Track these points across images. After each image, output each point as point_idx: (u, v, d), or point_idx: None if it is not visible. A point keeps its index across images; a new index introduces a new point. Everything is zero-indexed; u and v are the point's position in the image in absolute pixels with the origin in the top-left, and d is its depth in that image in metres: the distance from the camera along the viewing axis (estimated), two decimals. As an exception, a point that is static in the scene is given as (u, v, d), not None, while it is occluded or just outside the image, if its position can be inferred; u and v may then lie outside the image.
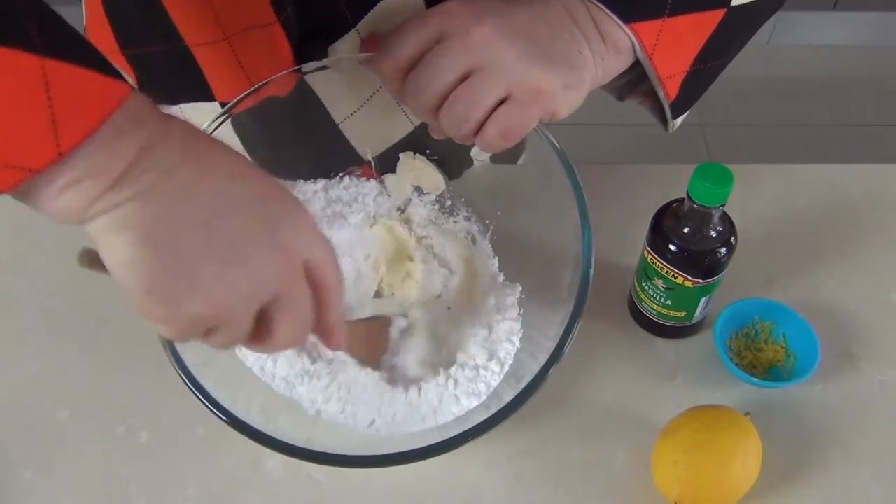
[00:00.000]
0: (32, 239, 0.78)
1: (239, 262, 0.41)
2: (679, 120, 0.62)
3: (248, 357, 0.61)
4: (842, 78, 2.25)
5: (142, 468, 0.65)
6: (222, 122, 0.60)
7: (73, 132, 0.36)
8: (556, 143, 0.59)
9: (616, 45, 0.55)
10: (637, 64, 0.57)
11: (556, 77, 0.52)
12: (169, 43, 0.59)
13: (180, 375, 0.53)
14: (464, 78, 0.51)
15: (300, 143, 0.67)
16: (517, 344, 0.62)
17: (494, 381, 0.60)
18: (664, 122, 0.62)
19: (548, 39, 0.53)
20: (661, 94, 0.58)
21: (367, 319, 0.63)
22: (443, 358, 0.63)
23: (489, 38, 0.51)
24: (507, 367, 0.61)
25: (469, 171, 0.70)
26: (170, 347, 0.53)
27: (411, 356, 0.63)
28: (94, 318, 0.73)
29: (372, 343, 0.62)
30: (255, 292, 0.42)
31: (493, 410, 0.54)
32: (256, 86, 0.59)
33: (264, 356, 0.60)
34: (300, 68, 0.60)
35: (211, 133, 0.60)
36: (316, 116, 0.65)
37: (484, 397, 0.60)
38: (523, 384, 0.54)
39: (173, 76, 0.62)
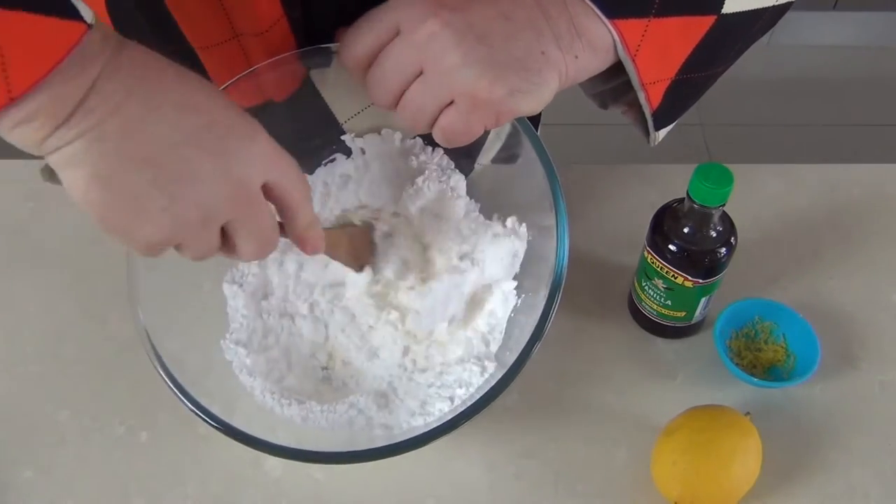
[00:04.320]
0: (33, 239, 0.78)
1: (184, 195, 0.42)
2: (662, 133, 0.60)
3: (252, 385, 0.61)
4: (842, 78, 2.25)
5: (142, 468, 0.65)
6: None
7: (23, 79, 0.37)
8: (533, 134, 0.58)
9: (593, 42, 0.53)
10: (621, 71, 0.55)
11: (501, 84, 0.50)
12: (173, 44, 0.59)
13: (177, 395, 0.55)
14: (416, 75, 0.51)
15: (302, 141, 0.67)
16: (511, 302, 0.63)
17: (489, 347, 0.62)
18: (647, 134, 0.60)
19: (503, 39, 0.51)
20: (642, 100, 0.56)
21: (349, 226, 0.64)
22: (425, 260, 0.64)
23: (436, 36, 0.50)
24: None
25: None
26: (163, 369, 0.55)
27: (393, 258, 0.64)
28: (94, 318, 0.73)
29: (355, 248, 0.63)
30: (206, 218, 0.44)
31: (484, 391, 0.54)
32: (250, 69, 0.59)
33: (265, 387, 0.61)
34: (295, 53, 0.59)
35: None
36: (320, 116, 0.65)
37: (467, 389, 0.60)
38: (509, 363, 0.55)
39: None
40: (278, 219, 0.49)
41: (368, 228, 0.64)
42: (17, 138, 0.40)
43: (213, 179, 0.43)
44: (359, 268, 0.63)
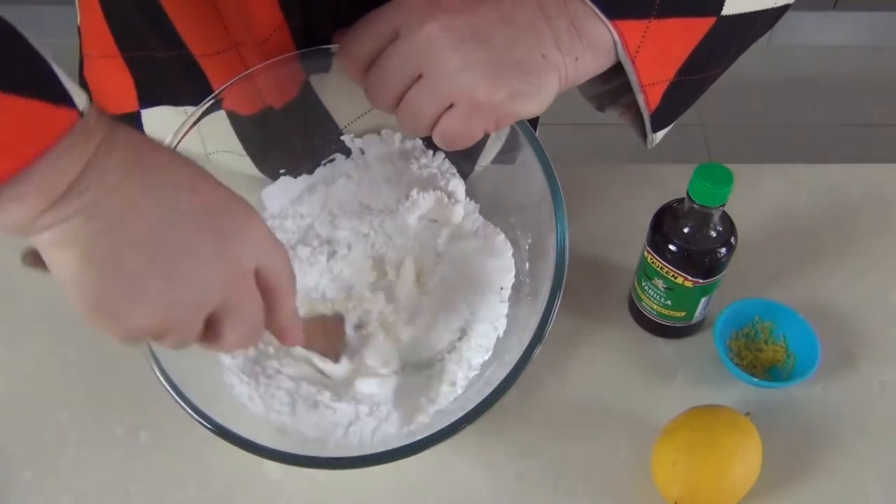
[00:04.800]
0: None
1: (183, 276, 0.41)
2: (659, 135, 0.60)
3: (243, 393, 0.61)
4: (842, 78, 2.25)
5: (142, 468, 0.65)
6: (212, 111, 0.60)
7: (9, 163, 0.35)
8: (532, 134, 0.58)
9: (594, 44, 0.52)
10: (620, 73, 0.55)
11: (501, 87, 0.50)
12: (173, 50, 0.59)
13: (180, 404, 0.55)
14: (416, 78, 0.51)
15: (302, 141, 0.67)
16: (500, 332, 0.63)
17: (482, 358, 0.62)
18: (644, 136, 0.60)
19: (504, 42, 0.51)
20: (640, 102, 0.56)
21: (323, 317, 0.64)
22: (403, 354, 0.64)
23: (436, 39, 0.50)
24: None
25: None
26: (161, 372, 0.55)
27: (370, 353, 0.63)
28: (94, 318, 0.73)
29: (330, 338, 0.62)
30: (201, 303, 0.42)
31: (483, 395, 0.54)
32: (248, 71, 0.59)
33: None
34: (294, 55, 0.59)
35: (213, 130, 0.60)
36: (319, 120, 0.65)
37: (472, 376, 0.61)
38: (509, 367, 0.54)
39: (179, 80, 0.62)
40: None
41: (340, 320, 0.64)
42: (5, 218, 0.38)
43: (210, 260, 0.41)
44: (335, 358, 0.62)
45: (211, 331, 0.44)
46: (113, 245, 0.39)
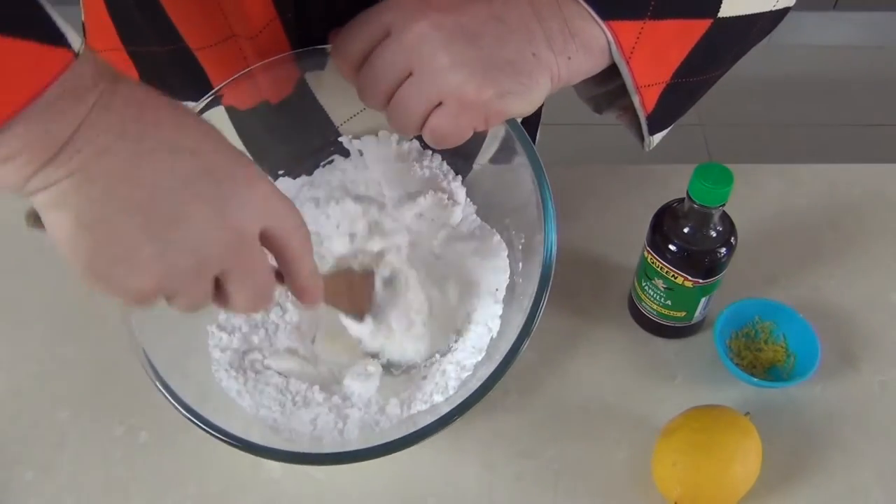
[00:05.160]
0: (33, 239, 0.78)
1: (178, 244, 0.40)
2: (657, 138, 0.60)
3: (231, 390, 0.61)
4: (842, 78, 2.25)
5: (142, 468, 0.65)
6: (211, 107, 0.60)
7: (1, 107, 0.34)
8: (522, 134, 0.58)
9: (587, 44, 0.52)
10: (616, 75, 0.55)
11: (490, 85, 0.50)
12: (171, 44, 0.59)
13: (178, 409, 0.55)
14: (406, 76, 0.51)
15: (300, 142, 0.67)
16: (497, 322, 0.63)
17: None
18: (641, 138, 0.60)
19: (494, 41, 0.51)
20: (636, 103, 0.56)
21: (350, 272, 0.62)
22: (433, 314, 0.63)
23: (425, 38, 0.50)
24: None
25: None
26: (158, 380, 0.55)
27: (397, 309, 0.62)
28: (94, 318, 0.73)
29: (355, 296, 0.61)
30: (197, 270, 0.41)
31: (475, 387, 0.54)
32: (245, 70, 0.59)
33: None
34: (290, 55, 0.59)
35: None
36: (316, 118, 0.65)
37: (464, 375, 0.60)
38: (497, 361, 0.54)
39: (177, 76, 0.62)
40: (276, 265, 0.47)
41: (370, 275, 0.62)
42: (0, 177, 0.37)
43: (207, 226, 0.41)
44: (360, 317, 0.61)
45: (220, 293, 0.44)
46: (105, 211, 0.38)
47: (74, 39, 0.36)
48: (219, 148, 0.42)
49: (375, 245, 0.65)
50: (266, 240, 0.44)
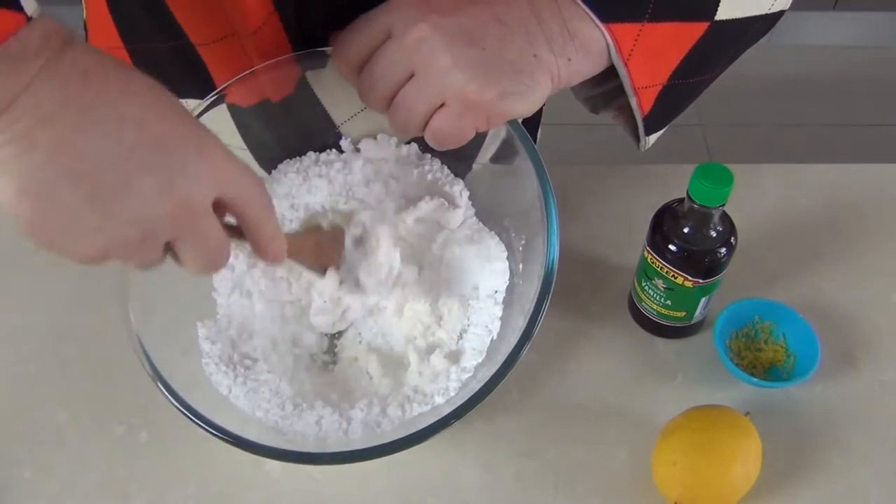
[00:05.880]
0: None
1: (122, 214, 0.40)
2: (652, 138, 0.60)
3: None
4: (842, 78, 2.25)
5: (142, 468, 0.65)
6: (213, 107, 0.60)
7: None
8: (522, 133, 0.58)
9: (587, 46, 0.53)
10: (613, 76, 0.55)
11: (493, 86, 0.50)
12: (174, 40, 0.59)
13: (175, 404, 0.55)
14: (408, 78, 0.51)
15: (301, 143, 0.67)
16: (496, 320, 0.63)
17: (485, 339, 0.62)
18: (636, 138, 0.60)
19: (495, 42, 0.51)
20: (633, 104, 0.56)
21: (318, 229, 0.62)
22: (401, 279, 0.63)
23: (426, 39, 0.50)
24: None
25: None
26: (158, 379, 0.55)
27: (365, 273, 0.62)
28: (94, 318, 0.73)
29: (323, 252, 0.61)
30: (144, 238, 0.41)
31: (474, 391, 0.54)
32: (248, 70, 0.59)
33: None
34: (291, 57, 0.59)
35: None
36: (316, 118, 0.65)
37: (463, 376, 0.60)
38: (498, 364, 0.54)
39: (179, 73, 0.62)
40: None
41: (339, 232, 0.62)
42: None
43: (152, 198, 0.40)
44: (322, 271, 0.61)
45: (175, 255, 0.44)
46: (47, 180, 0.38)
47: (28, 3, 0.36)
48: (169, 116, 0.41)
49: (347, 206, 0.65)
50: (225, 206, 0.44)
